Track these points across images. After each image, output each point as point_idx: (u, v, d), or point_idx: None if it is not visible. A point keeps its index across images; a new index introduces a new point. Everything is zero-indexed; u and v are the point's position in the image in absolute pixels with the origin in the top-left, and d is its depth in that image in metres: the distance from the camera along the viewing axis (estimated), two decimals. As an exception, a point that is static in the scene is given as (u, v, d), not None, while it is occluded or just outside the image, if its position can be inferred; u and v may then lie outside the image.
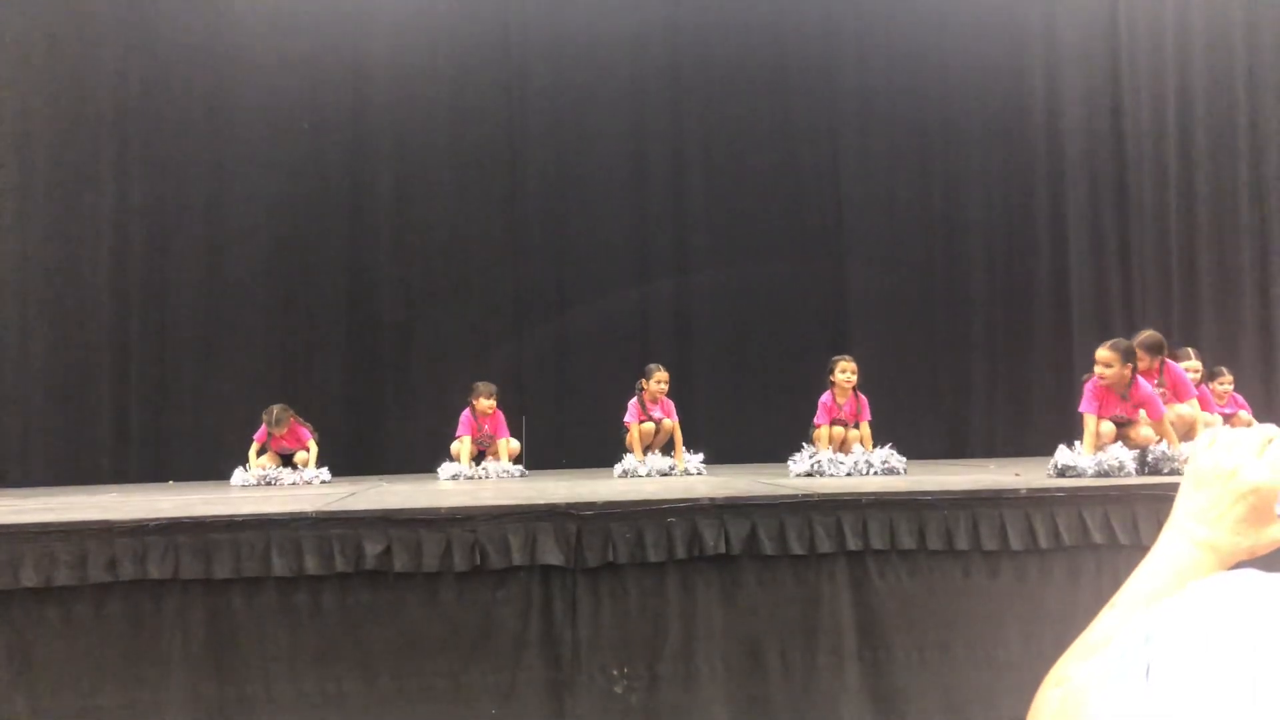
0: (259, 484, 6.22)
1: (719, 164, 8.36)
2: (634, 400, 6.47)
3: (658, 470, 6.13)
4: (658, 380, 6.46)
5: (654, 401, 6.49)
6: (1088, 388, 5.03)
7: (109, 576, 3.26)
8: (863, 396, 6.20)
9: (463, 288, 8.05)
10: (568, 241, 8.19)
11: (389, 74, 8.11)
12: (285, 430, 6.66)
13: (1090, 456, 4.68)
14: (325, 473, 6.66)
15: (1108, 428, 4.99)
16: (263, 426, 6.64)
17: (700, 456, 6.40)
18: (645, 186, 8.36)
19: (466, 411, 6.60)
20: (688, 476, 6.01)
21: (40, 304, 7.61)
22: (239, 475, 6.38)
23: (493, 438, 6.68)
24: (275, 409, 6.62)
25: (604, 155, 8.26)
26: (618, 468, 6.20)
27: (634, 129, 8.34)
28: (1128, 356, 4.93)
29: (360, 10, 8.07)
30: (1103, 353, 4.93)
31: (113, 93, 7.80)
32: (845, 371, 6.11)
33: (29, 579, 3.21)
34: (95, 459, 7.55)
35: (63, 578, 3.23)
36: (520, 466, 6.72)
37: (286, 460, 6.73)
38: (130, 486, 6.63)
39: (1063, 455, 4.73)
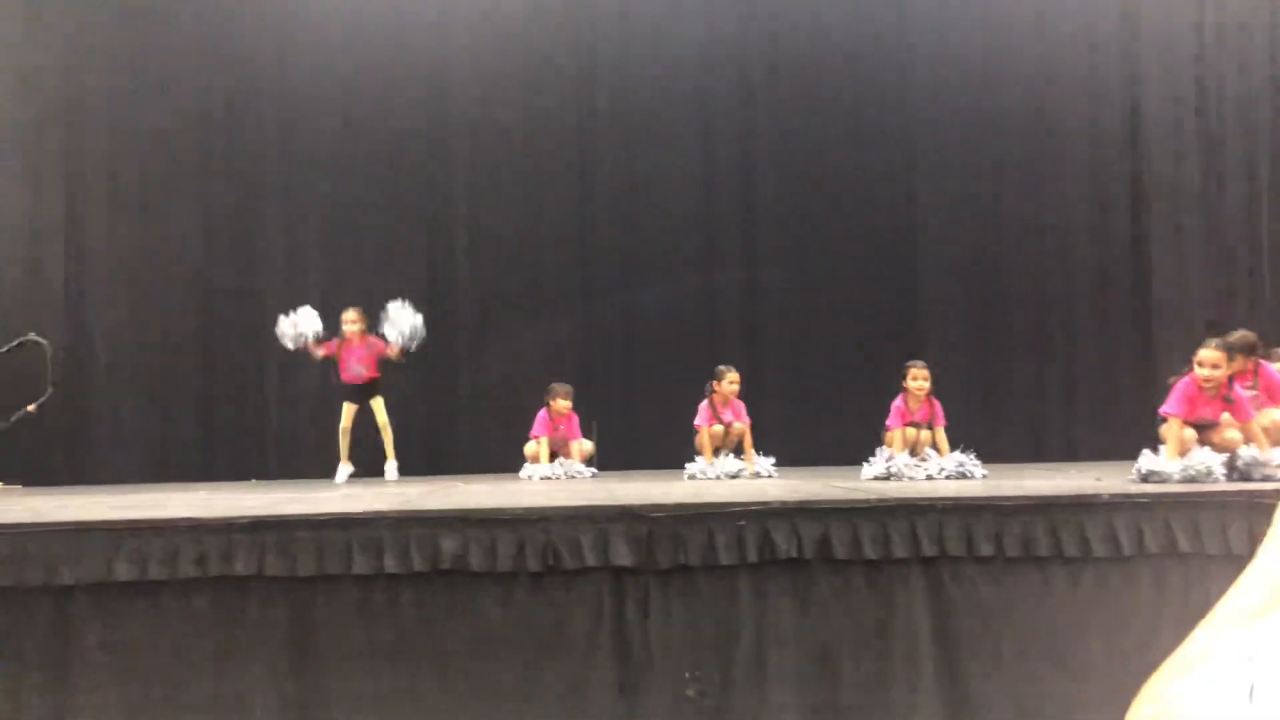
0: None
1: (789, 167, 8.31)
2: (704, 403, 6.45)
3: (726, 473, 6.11)
4: (729, 382, 6.42)
5: (725, 404, 6.45)
6: (1177, 388, 4.87)
7: (198, 572, 3.37)
8: (937, 402, 6.09)
9: (534, 290, 8.14)
10: (638, 244, 8.23)
11: (463, 81, 8.24)
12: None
13: (1176, 461, 4.53)
14: (393, 470, 6.80)
15: (1189, 432, 4.83)
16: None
17: (771, 460, 6.36)
18: (714, 189, 8.36)
19: (543, 412, 6.66)
20: (758, 479, 5.98)
21: (130, 309, 7.92)
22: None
23: (566, 439, 6.73)
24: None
25: (673, 159, 8.27)
26: (688, 470, 6.20)
27: (703, 133, 8.35)
28: (1233, 356, 4.79)
29: (436, 19, 8.22)
30: (1209, 353, 4.73)
31: (197, 104, 8.07)
32: (917, 379, 5.98)
33: (122, 573, 3.33)
34: (184, 457, 7.83)
35: (154, 572, 3.35)
36: (592, 468, 6.76)
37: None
38: (217, 484, 6.84)
39: (1147, 460, 4.59)
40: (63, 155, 8.00)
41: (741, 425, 6.41)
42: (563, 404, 6.67)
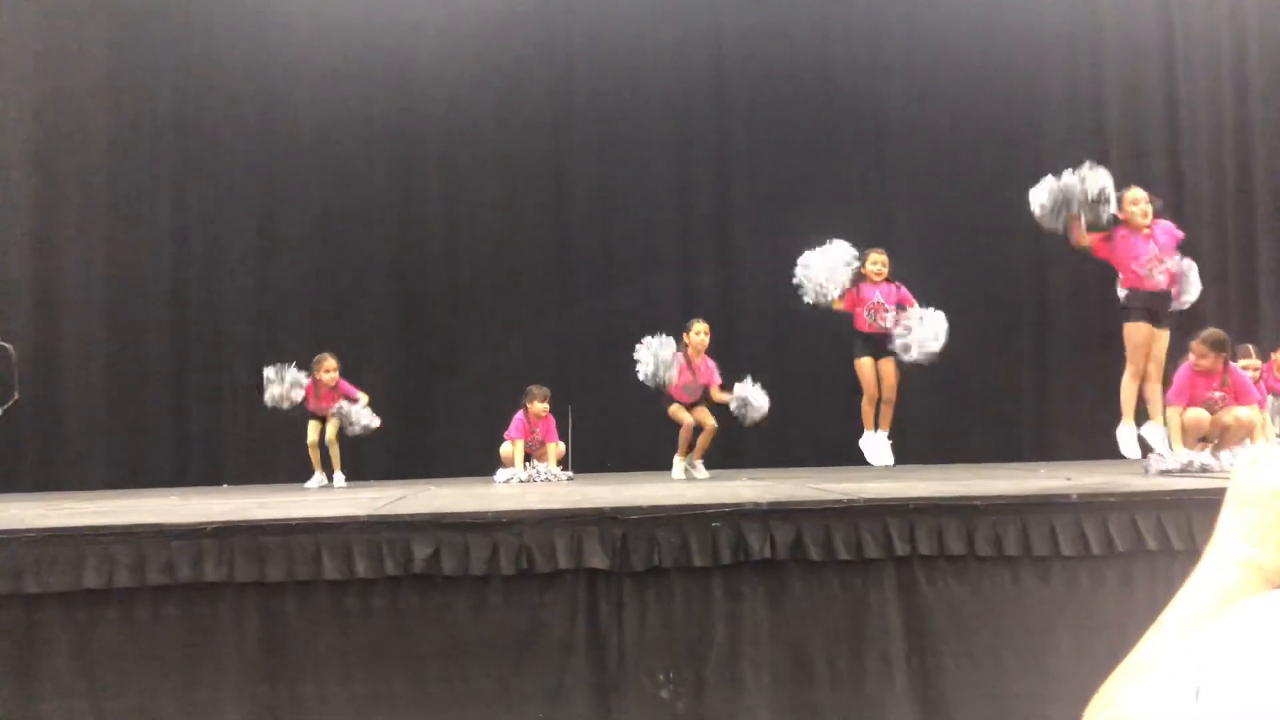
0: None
1: (763, 168, 8.35)
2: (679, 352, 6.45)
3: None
4: (696, 332, 6.48)
5: (696, 355, 6.47)
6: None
7: (166, 579, 3.34)
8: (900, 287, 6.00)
9: (510, 292, 8.13)
10: (613, 246, 8.24)
11: (437, 83, 8.22)
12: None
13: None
14: (341, 479, 6.81)
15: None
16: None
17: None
18: (690, 191, 8.38)
19: (520, 414, 6.65)
20: (728, 482, 6.01)
21: (100, 313, 7.84)
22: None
23: (543, 441, 6.73)
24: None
25: (649, 160, 8.29)
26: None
27: (678, 134, 8.37)
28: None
29: (408, 21, 8.19)
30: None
31: (170, 106, 8.00)
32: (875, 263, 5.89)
33: (90, 580, 3.30)
34: (154, 463, 7.75)
35: (123, 580, 3.32)
36: (568, 471, 6.77)
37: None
38: (188, 490, 6.78)
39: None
40: (33, 157, 7.90)
41: (710, 424, 6.52)
42: (539, 406, 6.67)
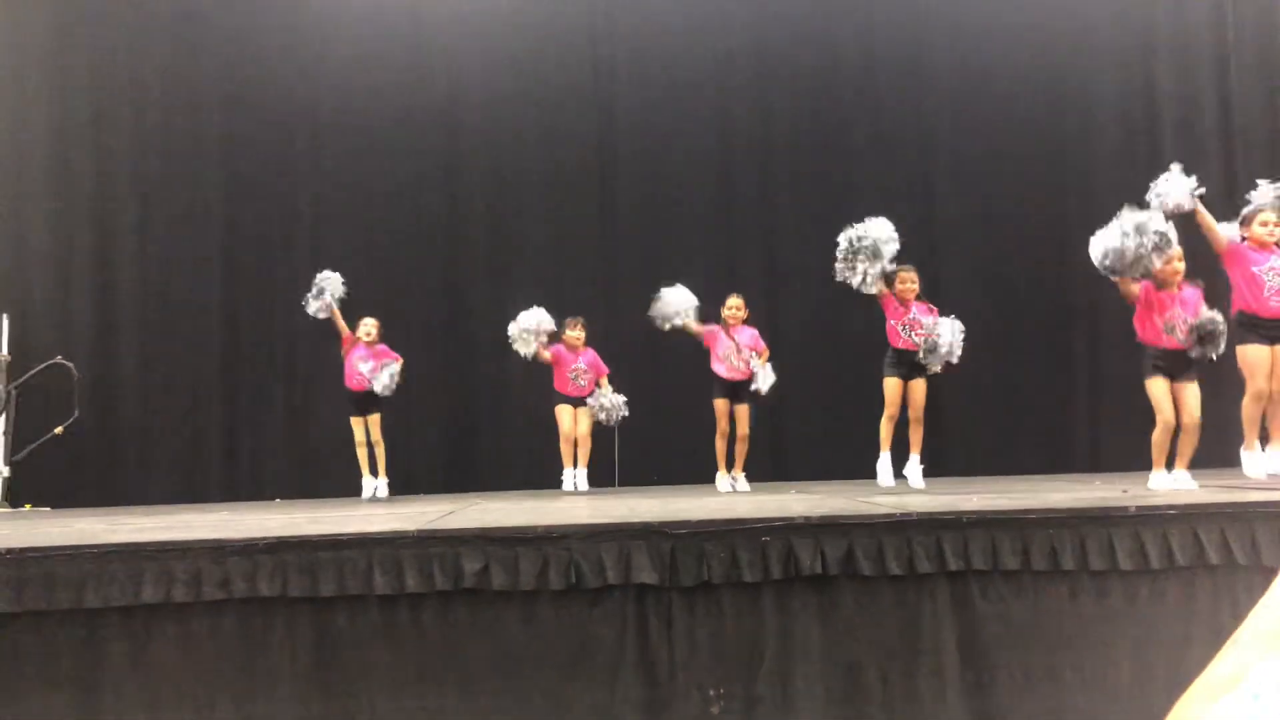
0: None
1: (807, 179, 8.31)
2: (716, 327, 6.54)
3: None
4: (728, 307, 6.51)
5: (734, 326, 6.50)
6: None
7: (222, 594, 3.39)
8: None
9: (554, 304, 8.14)
10: (658, 259, 8.23)
11: (479, 97, 8.31)
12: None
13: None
14: (384, 487, 6.84)
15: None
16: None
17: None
18: (734, 202, 8.37)
19: (559, 346, 6.80)
20: (777, 495, 5.97)
21: (158, 333, 8.01)
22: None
23: (596, 374, 6.91)
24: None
25: (692, 172, 8.30)
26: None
27: (721, 146, 8.37)
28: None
29: (450, 35, 8.30)
30: None
31: (220, 126, 8.17)
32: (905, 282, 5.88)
33: (149, 595, 3.35)
34: (208, 478, 7.89)
35: (180, 594, 3.37)
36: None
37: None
38: (239, 504, 6.89)
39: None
40: (91, 178, 8.11)
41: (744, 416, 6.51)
42: (572, 335, 6.69)
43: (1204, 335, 4.88)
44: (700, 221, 8.30)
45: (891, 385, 5.78)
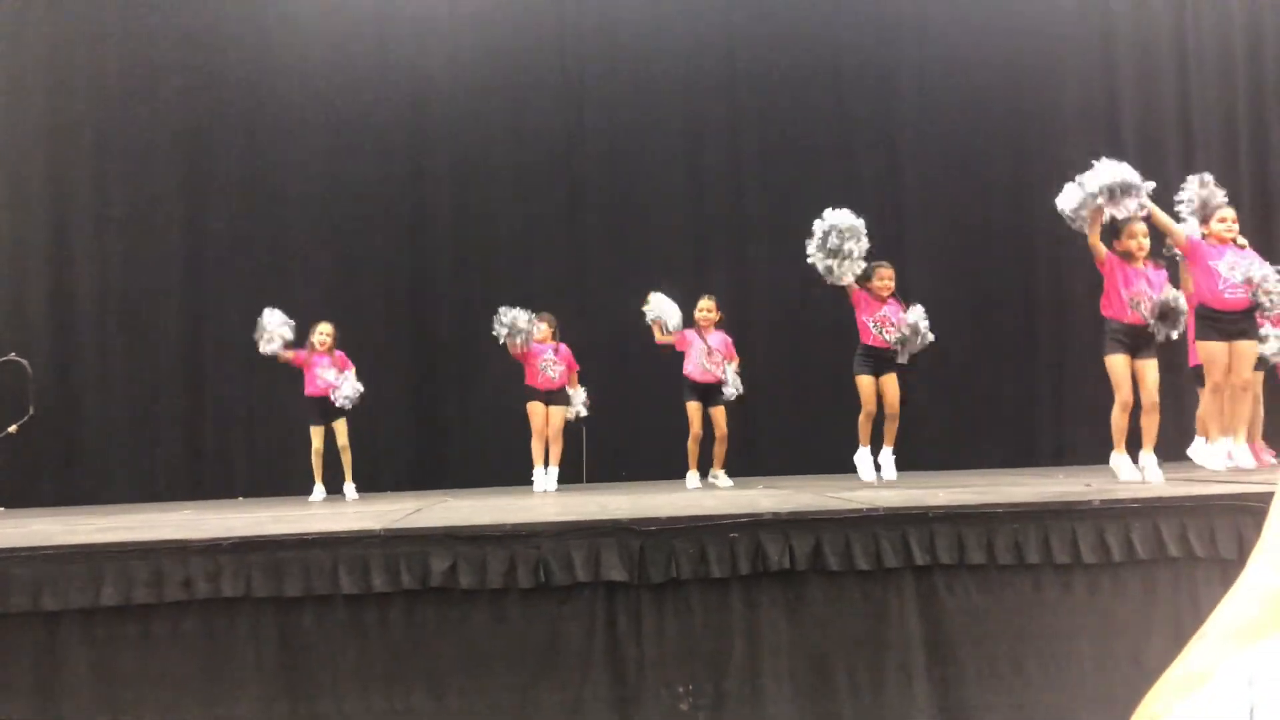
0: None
1: (777, 175, 8.33)
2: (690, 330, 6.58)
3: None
4: (700, 309, 6.51)
5: (707, 330, 6.51)
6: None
7: (185, 595, 3.34)
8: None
9: (522, 301, 8.10)
10: (626, 255, 8.22)
11: (446, 94, 8.23)
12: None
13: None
14: (352, 491, 6.79)
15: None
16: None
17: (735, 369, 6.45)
18: (702, 199, 8.37)
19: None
20: (749, 491, 5.99)
21: (118, 327, 7.87)
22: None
23: (568, 368, 6.83)
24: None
25: (661, 167, 8.28)
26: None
27: (691, 142, 8.36)
28: None
29: (418, 31, 8.22)
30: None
31: (181, 121, 8.03)
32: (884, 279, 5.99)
33: (109, 598, 3.30)
34: (169, 476, 7.77)
35: (141, 596, 3.32)
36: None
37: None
38: (203, 503, 6.80)
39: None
40: (48, 173, 7.95)
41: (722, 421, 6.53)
42: (540, 328, 6.71)
43: (1165, 312, 4.95)
44: (669, 218, 8.29)
45: (865, 382, 5.82)
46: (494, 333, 6.60)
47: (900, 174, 8.44)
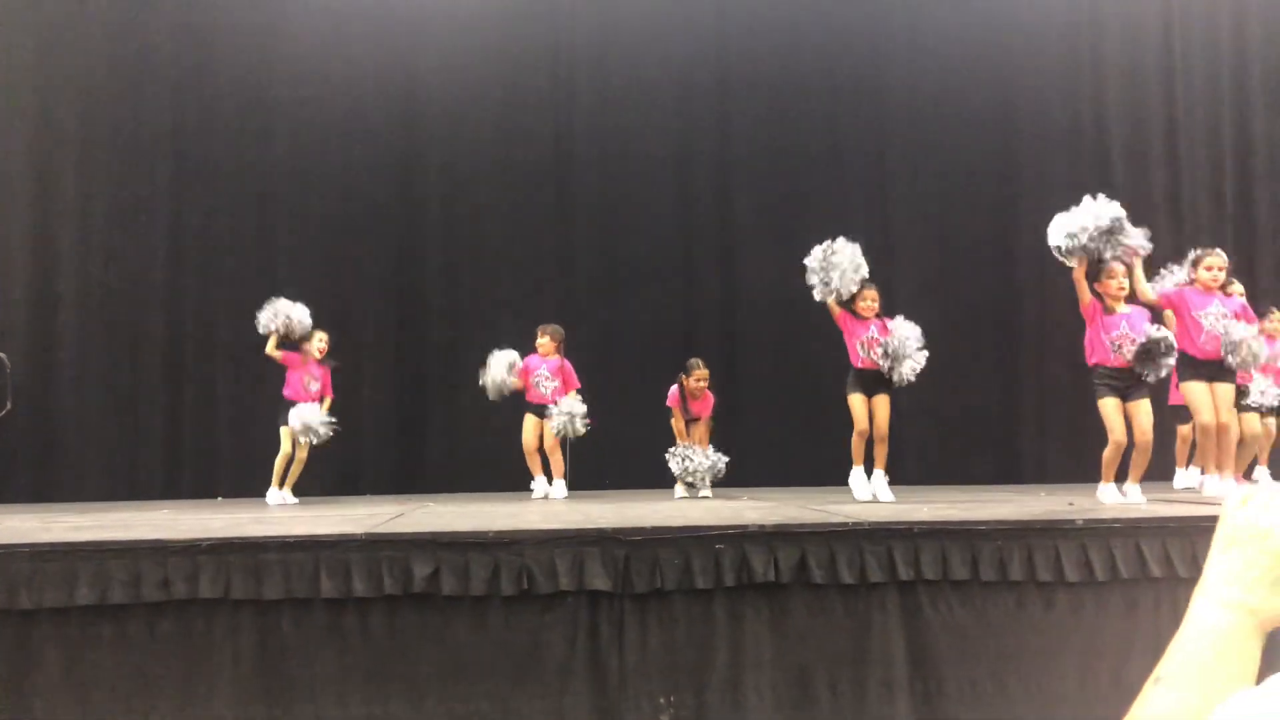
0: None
1: (766, 185, 8.35)
2: (675, 388, 6.70)
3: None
4: (696, 379, 6.63)
5: (694, 398, 6.62)
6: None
7: (162, 595, 3.30)
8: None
9: (509, 307, 8.09)
10: (615, 262, 8.22)
11: (437, 96, 8.21)
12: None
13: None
14: (289, 496, 6.68)
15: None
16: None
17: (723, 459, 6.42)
18: (692, 207, 8.38)
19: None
20: (734, 503, 5.97)
21: (98, 323, 7.79)
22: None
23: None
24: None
25: (651, 175, 8.29)
26: (672, 462, 6.28)
27: (681, 149, 8.37)
28: None
29: (410, 32, 8.19)
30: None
31: (168, 114, 7.97)
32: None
33: (84, 597, 3.25)
34: (148, 474, 7.69)
35: (117, 595, 3.28)
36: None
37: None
38: (182, 502, 6.73)
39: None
40: (30, 164, 7.86)
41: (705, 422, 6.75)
42: (542, 340, 6.72)
43: (1142, 352, 5.00)
44: (657, 225, 8.29)
45: (857, 402, 5.82)
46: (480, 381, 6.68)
47: (888, 188, 8.48)
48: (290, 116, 8.06)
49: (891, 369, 5.65)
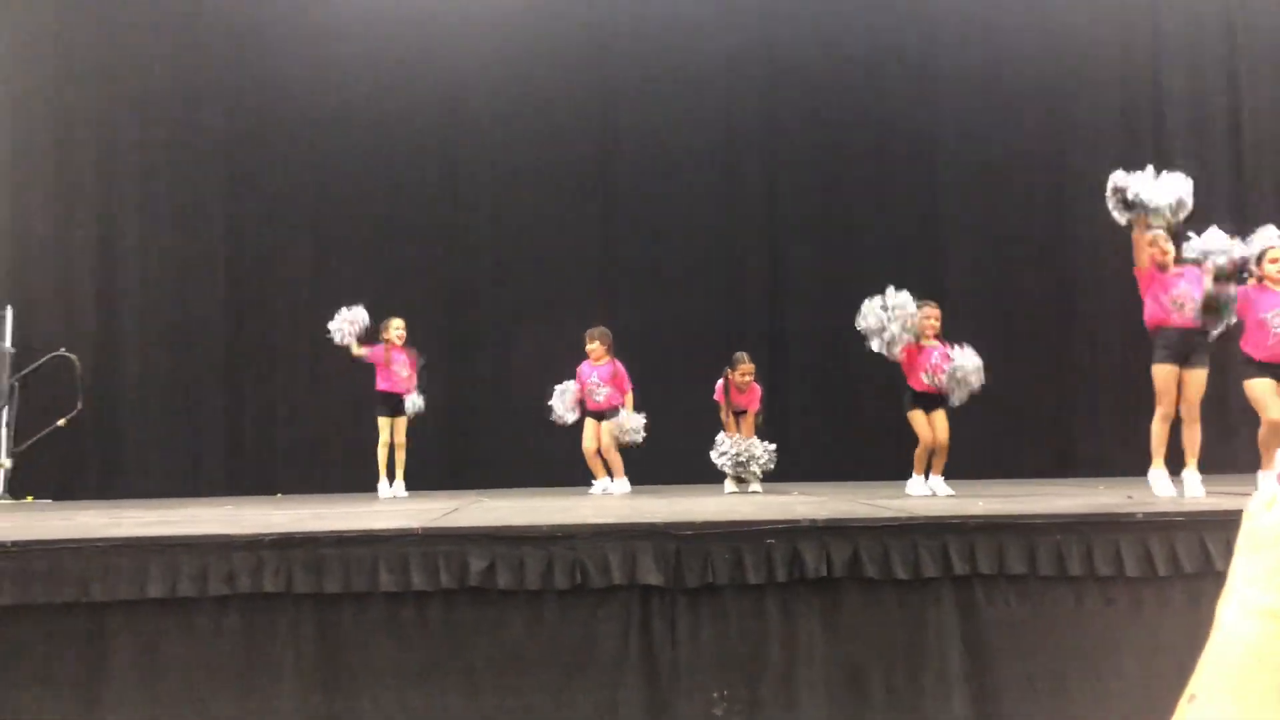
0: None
1: (813, 183, 8.31)
2: (721, 381, 6.76)
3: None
4: (742, 373, 6.67)
5: (740, 392, 6.61)
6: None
7: (227, 589, 3.38)
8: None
9: (558, 304, 8.15)
10: (662, 260, 8.24)
11: (483, 96, 8.30)
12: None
13: None
14: (401, 489, 6.81)
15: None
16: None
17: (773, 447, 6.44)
18: (739, 205, 8.37)
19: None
20: (784, 497, 5.97)
21: (160, 325, 8.00)
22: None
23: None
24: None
25: (697, 174, 8.29)
26: (719, 457, 6.29)
27: (727, 149, 8.37)
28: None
29: (455, 35, 8.29)
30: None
31: (226, 122, 8.17)
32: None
33: (155, 590, 3.35)
34: (211, 472, 7.88)
35: (185, 589, 3.36)
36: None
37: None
38: (242, 498, 6.88)
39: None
40: (94, 170, 8.10)
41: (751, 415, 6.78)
42: (591, 346, 6.78)
43: (1207, 304, 4.84)
44: (704, 222, 8.30)
45: (918, 419, 5.81)
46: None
47: (937, 179, 8.39)
48: (340, 120, 8.20)
49: (952, 392, 5.61)
